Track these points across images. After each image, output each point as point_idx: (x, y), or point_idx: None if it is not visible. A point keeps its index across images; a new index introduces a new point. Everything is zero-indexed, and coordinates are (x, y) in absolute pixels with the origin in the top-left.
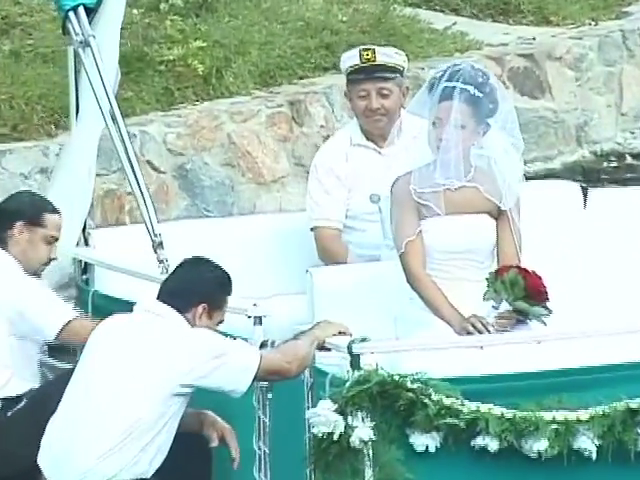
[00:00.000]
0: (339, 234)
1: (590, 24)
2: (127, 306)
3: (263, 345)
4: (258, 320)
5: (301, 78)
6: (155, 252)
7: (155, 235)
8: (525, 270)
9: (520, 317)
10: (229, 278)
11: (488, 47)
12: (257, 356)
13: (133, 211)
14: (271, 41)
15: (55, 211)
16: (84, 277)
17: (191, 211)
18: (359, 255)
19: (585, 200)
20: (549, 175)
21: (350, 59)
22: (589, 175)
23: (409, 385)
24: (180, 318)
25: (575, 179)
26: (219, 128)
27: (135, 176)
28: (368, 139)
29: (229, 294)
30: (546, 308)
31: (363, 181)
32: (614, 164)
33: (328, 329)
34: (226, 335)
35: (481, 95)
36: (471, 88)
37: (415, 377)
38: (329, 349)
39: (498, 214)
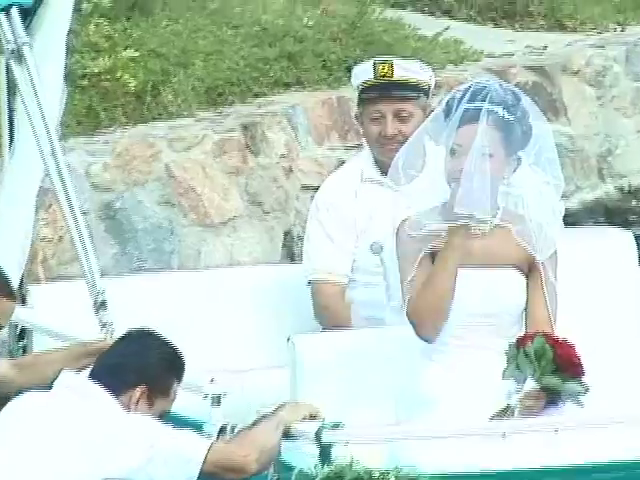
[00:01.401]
0: (343, 291)
1: (615, 29)
2: None
3: (222, 430)
4: (216, 400)
5: (257, 96)
6: (97, 313)
7: (97, 293)
8: (554, 338)
9: (551, 397)
10: (180, 358)
11: (489, 58)
12: (204, 446)
13: (47, 260)
14: (220, 50)
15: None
16: (21, 344)
17: (120, 261)
18: (365, 317)
19: None
20: (564, 217)
21: (362, 73)
22: (614, 216)
23: None
24: (112, 401)
25: (596, 221)
26: (155, 158)
27: (75, 220)
28: (383, 173)
29: (178, 379)
30: (582, 384)
31: (375, 226)
32: None
33: (295, 411)
34: (181, 420)
35: (512, 119)
36: (500, 109)
37: (401, 473)
38: (296, 437)
39: (529, 269)
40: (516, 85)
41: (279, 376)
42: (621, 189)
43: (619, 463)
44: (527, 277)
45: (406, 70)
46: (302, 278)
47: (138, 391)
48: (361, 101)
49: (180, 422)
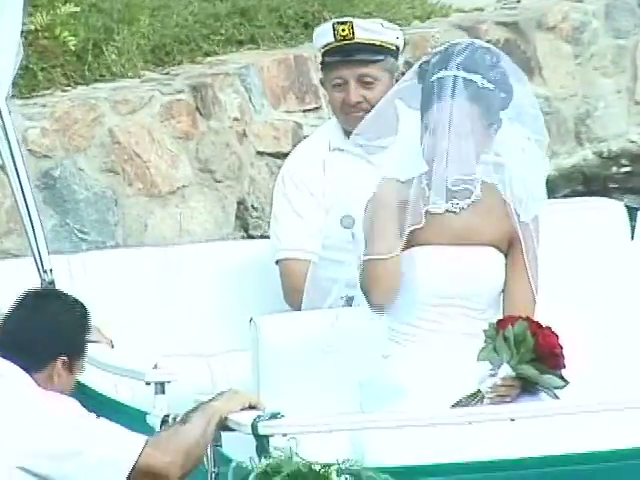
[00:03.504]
0: (313, 269)
1: None
2: None
3: (164, 422)
4: (160, 387)
5: (207, 55)
6: None
7: (44, 271)
8: (537, 324)
9: (526, 386)
10: (85, 309)
11: (458, 13)
12: (133, 452)
13: None
14: (167, 5)
15: None
16: None
17: (60, 233)
18: (337, 297)
19: (633, 226)
20: None
21: (322, 36)
22: (592, 183)
23: (334, 478)
24: (27, 379)
25: (574, 189)
26: (98, 122)
27: (22, 191)
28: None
29: (89, 331)
30: (561, 378)
31: (345, 198)
32: (626, 169)
33: (232, 401)
34: (123, 410)
35: (492, 87)
36: (478, 78)
37: (344, 466)
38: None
39: (509, 246)
40: (487, 42)
41: (244, 359)
42: (600, 154)
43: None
44: (506, 256)
45: (368, 31)
46: (267, 255)
47: (59, 362)
48: (323, 66)
49: (123, 412)
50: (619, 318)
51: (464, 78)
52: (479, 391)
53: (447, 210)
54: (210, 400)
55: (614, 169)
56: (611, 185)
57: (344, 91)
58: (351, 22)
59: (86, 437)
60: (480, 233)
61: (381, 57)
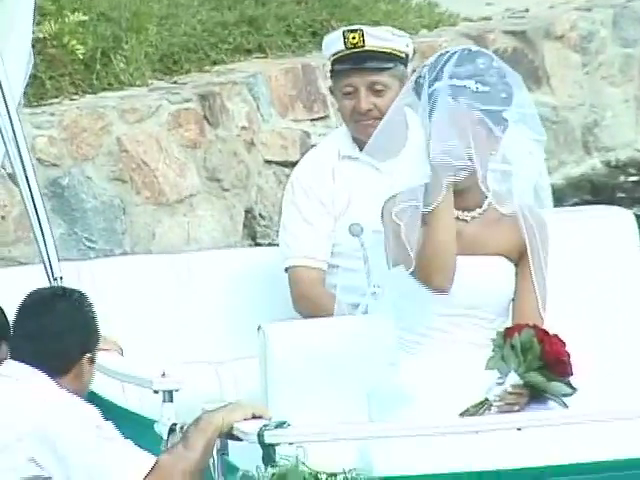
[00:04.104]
0: (322, 277)
1: None
2: None
3: (171, 431)
4: (168, 395)
5: (215, 63)
6: None
7: (54, 279)
8: (544, 332)
9: (535, 394)
10: (87, 299)
11: (465, 22)
12: (142, 469)
13: None
14: (175, 14)
15: None
16: None
17: (68, 241)
18: (347, 305)
19: None
20: None
21: (332, 44)
22: (600, 193)
23: None
24: (47, 382)
25: (582, 198)
26: (106, 131)
27: (33, 198)
28: (361, 150)
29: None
30: (569, 385)
31: (354, 206)
32: (634, 178)
33: (234, 412)
34: (133, 418)
35: (487, 89)
36: (471, 83)
37: (350, 475)
38: (240, 439)
39: (519, 257)
40: (495, 52)
41: (253, 367)
42: (608, 163)
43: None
44: (516, 265)
45: (378, 38)
46: (275, 263)
47: (85, 360)
48: (333, 74)
49: (132, 420)
50: (628, 327)
51: (457, 86)
52: (486, 400)
53: (458, 218)
54: (213, 412)
55: (622, 178)
56: (619, 194)
57: (354, 99)
58: (361, 30)
59: (97, 448)
60: (490, 243)
61: (391, 65)
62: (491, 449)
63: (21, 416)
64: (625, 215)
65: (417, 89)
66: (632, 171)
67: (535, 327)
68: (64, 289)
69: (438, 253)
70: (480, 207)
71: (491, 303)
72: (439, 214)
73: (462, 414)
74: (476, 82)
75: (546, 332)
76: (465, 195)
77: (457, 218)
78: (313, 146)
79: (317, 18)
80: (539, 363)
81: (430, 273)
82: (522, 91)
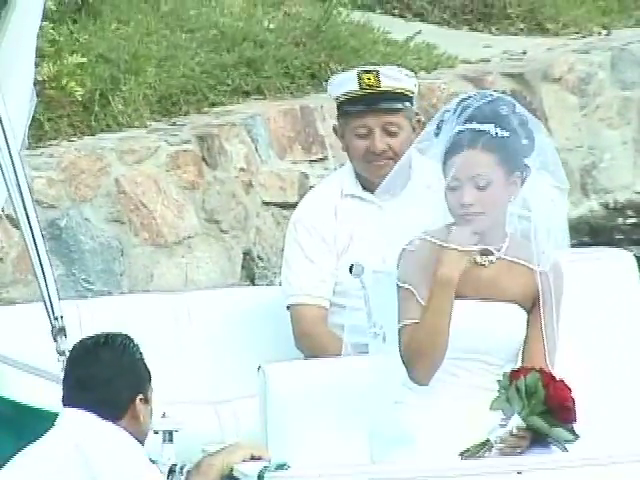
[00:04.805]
0: (325, 316)
1: (600, 33)
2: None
3: (171, 471)
4: (168, 436)
5: (213, 105)
6: (55, 340)
7: (55, 318)
8: (550, 376)
9: (537, 438)
10: (131, 338)
11: (464, 64)
12: None
13: None
14: (174, 56)
15: None
16: None
17: (66, 283)
18: (350, 344)
19: None
20: None
21: (344, 84)
22: (598, 235)
23: None
24: (122, 433)
25: (580, 240)
26: (104, 172)
27: (33, 236)
28: (364, 189)
29: (143, 355)
30: (572, 432)
31: (355, 245)
32: (632, 220)
33: (233, 454)
34: None
35: (507, 134)
36: (491, 127)
37: None
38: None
39: (532, 305)
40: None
41: (253, 407)
42: (606, 205)
43: None
44: (529, 313)
45: (392, 79)
46: (274, 302)
47: (137, 401)
48: (343, 114)
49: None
50: (631, 369)
51: (477, 130)
52: (488, 441)
53: (476, 262)
54: (213, 454)
55: (620, 220)
56: (617, 236)
57: (368, 139)
58: (377, 71)
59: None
60: (504, 288)
61: (404, 105)
62: None
63: (66, 444)
64: (626, 257)
65: (437, 129)
66: (630, 213)
67: (542, 371)
68: (107, 336)
69: (429, 353)
70: (498, 251)
71: (501, 349)
72: (440, 311)
73: (462, 454)
74: (495, 126)
75: (552, 377)
76: (483, 238)
77: (475, 262)
78: (312, 187)
79: (315, 60)
80: (543, 407)
81: (415, 366)
82: (544, 139)
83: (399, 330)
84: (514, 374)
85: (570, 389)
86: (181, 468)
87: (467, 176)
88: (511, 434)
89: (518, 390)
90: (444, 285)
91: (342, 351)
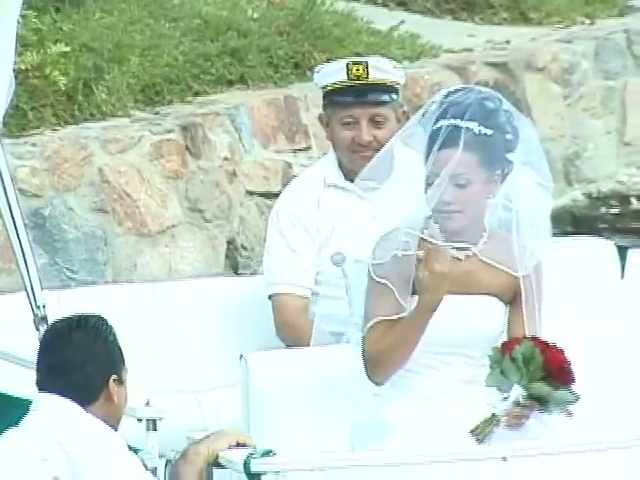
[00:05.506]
0: (306, 305)
1: (583, 23)
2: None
3: (154, 471)
4: (152, 424)
5: (197, 94)
6: (37, 329)
7: (37, 307)
8: (543, 342)
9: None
10: (104, 320)
11: (447, 54)
12: None
13: None
14: (157, 45)
15: None
16: None
17: (49, 272)
18: (330, 333)
19: (623, 265)
20: None
21: (332, 74)
22: (581, 224)
23: None
24: (75, 410)
25: (564, 230)
26: (88, 161)
27: (15, 226)
28: (347, 179)
29: (116, 337)
30: (572, 392)
31: (337, 235)
32: (615, 210)
33: (218, 441)
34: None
35: (490, 132)
36: (474, 125)
37: None
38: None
39: (513, 298)
40: (476, 83)
41: (235, 396)
42: (589, 195)
43: None
44: (510, 304)
45: (381, 71)
46: (259, 291)
47: (111, 383)
48: (330, 104)
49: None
50: (610, 357)
51: (460, 127)
52: (494, 415)
53: (452, 256)
54: (198, 442)
55: (603, 210)
56: (600, 226)
57: (355, 130)
58: (366, 62)
59: (114, 471)
60: (481, 281)
61: (390, 97)
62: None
63: (46, 436)
64: (607, 246)
65: (422, 122)
66: (613, 203)
67: (534, 338)
68: (79, 319)
69: (395, 358)
70: (475, 245)
71: (481, 342)
72: (419, 328)
73: (471, 431)
74: (479, 124)
75: (545, 343)
76: (461, 233)
77: (451, 257)
78: (295, 177)
79: (299, 50)
80: (542, 373)
81: (376, 366)
82: (531, 135)
83: (370, 326)
84: (506, 346)
85: (564, 352)
86: (167, 462)
87: (447, 174)
88: (516, 404)
89: (514, 360)
90: (429, 310)
91: (314, 339)
